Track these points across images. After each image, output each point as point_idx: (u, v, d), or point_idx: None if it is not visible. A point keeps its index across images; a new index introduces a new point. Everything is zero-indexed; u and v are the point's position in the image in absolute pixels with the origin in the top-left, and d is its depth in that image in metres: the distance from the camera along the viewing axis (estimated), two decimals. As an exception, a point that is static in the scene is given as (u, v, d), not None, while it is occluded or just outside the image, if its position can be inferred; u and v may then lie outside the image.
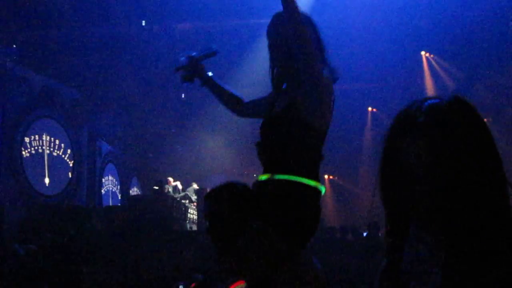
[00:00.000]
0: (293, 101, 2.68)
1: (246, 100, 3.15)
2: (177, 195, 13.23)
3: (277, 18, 2.85)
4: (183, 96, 19.35)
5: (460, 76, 18.63)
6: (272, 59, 2.84)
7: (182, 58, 3.05)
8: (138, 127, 18.71)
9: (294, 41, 2.60)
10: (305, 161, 2.65)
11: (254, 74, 16.66)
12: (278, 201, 2.56)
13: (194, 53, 3.08)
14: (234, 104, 3.14)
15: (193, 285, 4.31)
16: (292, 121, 2.64)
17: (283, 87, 2.87)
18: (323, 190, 2.72)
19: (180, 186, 13.48)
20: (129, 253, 9.05)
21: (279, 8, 2.71)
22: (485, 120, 1.32)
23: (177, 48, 16.85)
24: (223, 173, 19.25)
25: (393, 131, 1.37)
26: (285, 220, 2.53)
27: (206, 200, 2.85)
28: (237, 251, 2.52)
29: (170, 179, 13.60)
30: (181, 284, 4.33)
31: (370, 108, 21.20)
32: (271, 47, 2.83)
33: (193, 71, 3.03)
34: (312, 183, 2.63)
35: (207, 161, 17.77)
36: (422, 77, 19.04)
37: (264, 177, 2.69)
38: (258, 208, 2.58)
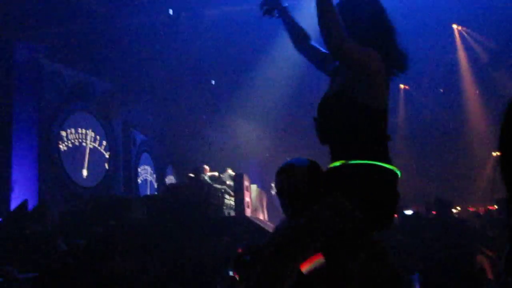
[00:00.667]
0: (344, 84, 2.63)
1: (313, 42, 3.16)
2: (229, 183, 13.26)
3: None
4: (213, 82, 19.41)
5: (494, 48, 18.17)
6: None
7: None
8: (171, 116, 18.85)
9: (320, 28, 2.57)
10: (375, 144, 2.57)
11: (290, 53, 16.58)
12: (357, 186, 2.45)
13: None
14: (300, 38, 3.16)
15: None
16: (347, 104, 2.57)
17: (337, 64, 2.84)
18: (399, 173, 2.62)
19: (216, 175, 13.54)
20: (169, 241, 9.17)
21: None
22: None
23: (205, 35, 16.91)
24: (257, 158, 19.32)
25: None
26: (364, 205, 2.41)
27: (279, 176, 2.75)
28: (312, 213, 2.40)
29: (206, 167, 13.66)
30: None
31: (402, 86, 20.88)
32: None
33: (272, 3, 3.15)
34: (389, 166, 2.56)
35: (241, 146, 17.82)
36: (454, 51, 18.63)
37: (337, 163, 2.59)
38: (334, 192, 2.48)
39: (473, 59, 18.78)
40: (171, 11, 16.03)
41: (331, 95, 2.69)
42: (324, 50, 2.98)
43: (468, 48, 18.41)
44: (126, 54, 15.89)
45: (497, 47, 18.13)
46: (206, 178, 12.99)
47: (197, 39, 16.90)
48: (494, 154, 22.73)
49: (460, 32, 18.16)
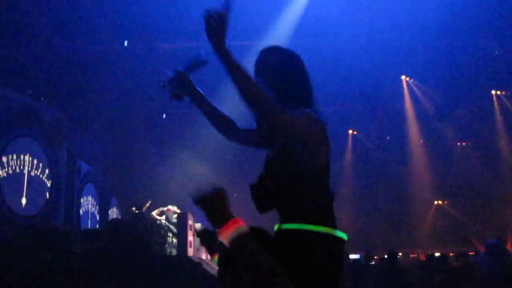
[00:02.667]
0: (282, 146, 2.43)
1: (239, 125, 2.82)
2: (173, 220, 13.00)
3: (262, 56, 2.63)
4: (164, 116, 19.28)
5: (440, 101, 18.89)
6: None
7: (170, 73, 2.70)
8: (118, 147, 18.55)
9: (251, 109, 2.36)
10: (311, 205, 2.35)
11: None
12: (286, 254, 2.22)
13: (182, 68, 2.73)
14: (225, 127, 2.79)
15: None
16: (285, 167, 2.39)
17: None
18: (340, 235, 2.37)
19: (164, 209, 13.31)
20: (108, 281, 8.87)
21: (267, 29, 2.64)
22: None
23: (159, 68, 16.83)
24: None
25: None
26: (302, 276, 2.19)
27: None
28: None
29: (170, 207, 13.43)
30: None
31: (350, 131, 21.34)
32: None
33: (181, 86, 2.69)
34: (322, 229, 2.30)
35: (188, 182, 17.62)
36: (402, 100, 19.25)
37: (276, 227, 2.42)
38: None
39: (419, 110, 19.44)
40: (126, 43, 15.97)
41: (270, 160, 2.51)
42: (250, 128, 2.73)
43: (415, 99, 19.07)
44: (76, 81, 15.61)
45: (443, 99, 18.85)
46: (154, 213, 12.79)
47: (150, 71, 16.81)
48: (435, 202, 23.38)
49: (408, 83, 18.82)
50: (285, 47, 2.65)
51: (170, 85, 2.66)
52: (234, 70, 2.29)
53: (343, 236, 2.40)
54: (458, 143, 21.47)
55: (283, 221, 2.39)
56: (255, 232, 2.25)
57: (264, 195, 2.41)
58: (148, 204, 13.61)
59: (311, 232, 2.29)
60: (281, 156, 2.44)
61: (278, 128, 2.36)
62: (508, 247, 19.34)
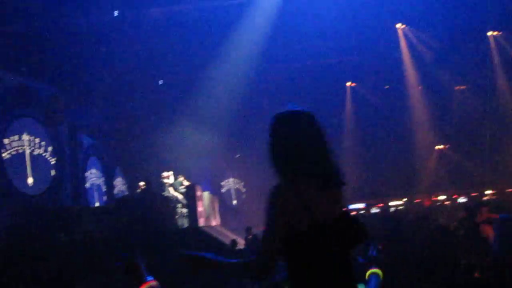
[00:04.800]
0: None
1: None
2: (181, 190, 13.03)
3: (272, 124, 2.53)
4: (160, 82, 19.16)
5: (436, 46, 18.73)
6: None
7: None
8: (118, 117, 18.50)
9: None
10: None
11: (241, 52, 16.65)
12: None
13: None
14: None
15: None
16: None
17: None
18: None
19: (181, 179, 13.34)
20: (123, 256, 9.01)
21: None
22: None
23: (151, 35, 16.62)
24: (207, 158, 19.23)
25: None
26: None
27: None
28: None
29: (165, 173, 13.42)
30: None
31: (348, 83, 21.25)
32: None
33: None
34: None
35: (189, 147, 17.66)
36: (398, 49, 19.09)
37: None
38: None
39: (417, 58, 19.30)
40: (116, 13, 15.70)
41: None
42: None
43: (411, 47, 18.90)
44: (70, 56, 15.43)
45: (439, 45, 18.68)
46: (166, 182, 12.90)
47: (143, 39, 16.62)
48: (436, 147, 23.54)
49: (403, 31, 18.60)
50: (300, 109, 2.52)
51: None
52: None
53: None
54: (457, 88, 21.42)
55: None
56: None
57: None
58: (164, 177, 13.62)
59: None
60: None
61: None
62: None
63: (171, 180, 13.41)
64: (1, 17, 13.69)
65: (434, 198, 23.49)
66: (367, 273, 2.72)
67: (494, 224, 5.08)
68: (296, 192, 2.32)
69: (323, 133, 2.47)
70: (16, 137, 13.98)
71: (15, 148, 13.93)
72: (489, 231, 6.31)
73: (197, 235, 10.99)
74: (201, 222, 12.18)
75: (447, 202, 22.57)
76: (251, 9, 16.20)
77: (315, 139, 2.45)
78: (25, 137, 14.35)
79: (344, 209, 2.42)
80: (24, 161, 14.20)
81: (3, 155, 13.49)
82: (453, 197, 22.92)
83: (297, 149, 2.42)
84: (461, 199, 21.90)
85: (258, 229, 11.90)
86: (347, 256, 2.37)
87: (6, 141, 13.66)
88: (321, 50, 18.35)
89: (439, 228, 10.00)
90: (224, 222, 16.14)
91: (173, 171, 13.87)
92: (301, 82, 19.50)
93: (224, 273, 2.51)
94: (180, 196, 12.83)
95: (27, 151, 14.33)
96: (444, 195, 22.99)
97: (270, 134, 2.50)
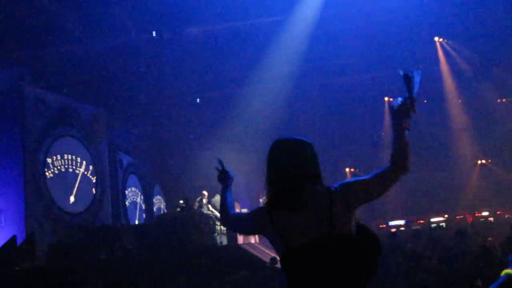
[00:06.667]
0: None
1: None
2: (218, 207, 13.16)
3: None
4: (198, 100, 19.36)
5: (475, 59, 18.40)
6: None
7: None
8: (157, 136, 18.73)
9: None
10: None
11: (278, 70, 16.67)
12: None
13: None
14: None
15: None
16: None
17: None
18: None
19: (213, 199, 13.45)
20: (164, 274, 9.05)
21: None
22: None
23: (189, 55, 16.83)
24: (243, 178, 19.22)
25: None
26: None
27: None
28: None
29: (205, 192, 13.59)
30: None
31: (386, 98, 21.01)
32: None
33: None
34: None
35: (227, 165, 17.65)
36: (437, 62, 18.83)
37: None
38: None
39: (456, 71, 18.99)
40: (154, 33, 15.98)
41: None
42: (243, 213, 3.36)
43: (450, 60, 18.62)
44: (110, 76, 15.76)
45: (478, 58, 18.36)
46: (204, 201, 12.96)
47: (181, 59, 16.85)
48: (478, 162, 22.98)
49: (442, 45, 18.36)
50: (290, 137, 2.65)
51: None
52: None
53: None
54: (498, 100, 20.94)
55: None
56: None
57: None
58: (205, 197, 13.78)
59: None
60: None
61: None
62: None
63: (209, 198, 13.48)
64: (44, 39, 14.11)
65: (478, 214, 22.89)
66: (502, 272, 2.66)
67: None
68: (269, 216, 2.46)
69: (305, 160, 2.52)
70: (58, 157, 14.27)
71: (58, 167, 14.21)
72: None
73: (236, 252, 10.96)
74: (240, 239, 12.14)
75: (490, 218, 21.99)
76: (287, 27, 16.24)
77: (289, 167, 2.50)
78: (67, 156, 14.63)
79: (335, 230, 2.34)
80: (66, 180, 14.47)
81: (46, 174, 13.78)
82: (497, 213, 22.30)
83: (271, 175, 2.54)
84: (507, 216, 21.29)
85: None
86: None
87: (49, 160, 13.96)
88: (359, 65, 18.28)
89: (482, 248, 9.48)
90: (262, 239, 16.05)
91: (210, 189, 13.90)
92: (339, 97, 19.40)
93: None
94: (218, 214, 12.82)
95: (69, 170, 14.60)
96: (487, 211, 22.40)
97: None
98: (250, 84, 17.34)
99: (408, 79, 2.45)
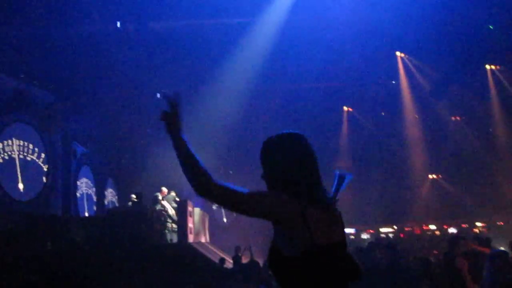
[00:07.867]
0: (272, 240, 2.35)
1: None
2: (173, 205, 13.04)
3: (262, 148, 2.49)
4: (158, 95, 19.15)
5: (434, 76, 18.87)
6: None
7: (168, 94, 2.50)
8: (113, 128, 18.44)
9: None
10: None
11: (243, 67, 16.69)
12: None
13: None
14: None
15: None
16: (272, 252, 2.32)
17: None
18: None
19: (171, 194, 13.35)
20: (110, 267, 8.93)
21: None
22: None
23: (151, 48, 16.68)
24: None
25: None
26: None
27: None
28: None
29: (164, 189, 13.45)
30: None
31: (345, 108, 21.34)
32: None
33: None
34: None
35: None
36: (397, 76, 19.22)
37: None
38: None
39: (414, 86, 19.42)
40: (118, 24, 15.76)
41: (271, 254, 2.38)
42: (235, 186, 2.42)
43: (410, 75, 19.04)
44: (69, 64, 15.39)
45: (437, 75, 18.83)
46: (160, 197, 12.90)
47: (143, 52, 16.66)
48: (430, 176, 23.56)
49: (403, 59, 18.76)
50: (286, 132, 2.50)
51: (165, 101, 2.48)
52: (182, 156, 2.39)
53: None
54: (453, 118, 21.54)
55: None
56: None
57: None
58: (165, 192, 13.67)
59: None
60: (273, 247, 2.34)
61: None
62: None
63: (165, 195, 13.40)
64: (3, 21, 13.68)
65: (425, 227, 23.46)
66: None
67: (486, 260, 4.98)
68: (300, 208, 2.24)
69: (311, 152, 2.43)
70: (9, 142, 13.88)
71: (8, 153, 13.83)
72: (462, 265, 6.23)
73: (186, 251, 10.89)
74: (191, 238, 12.08)
75: (437, 232, 22.56)
76: (252, 29, 16.31)
77: (304, 159, 2.40)
78: (19, 142, 14.25)
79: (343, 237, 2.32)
80: (16, 167, 14.09)
81: (-4, 159, 13.40)
82: (444, 227, 22.91)
83: (291, 171, 2.36)
84: (451, 230, 21.91)
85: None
86: None
87: (-1, 145, 13.58)
88: (320, 74, 18.47)
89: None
90: (213, 239, 16.02)
91: (166, 186, 13.80)
92: (298, 104, 19.56)
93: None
94: (172, 211, 12.76)
95: (20, 156, 14.23)
96: (435, 225, 22.99)
97: (262, 162, 2.45)
98: (212, 82, 17.32)
99: (341, 179, 2.44)
